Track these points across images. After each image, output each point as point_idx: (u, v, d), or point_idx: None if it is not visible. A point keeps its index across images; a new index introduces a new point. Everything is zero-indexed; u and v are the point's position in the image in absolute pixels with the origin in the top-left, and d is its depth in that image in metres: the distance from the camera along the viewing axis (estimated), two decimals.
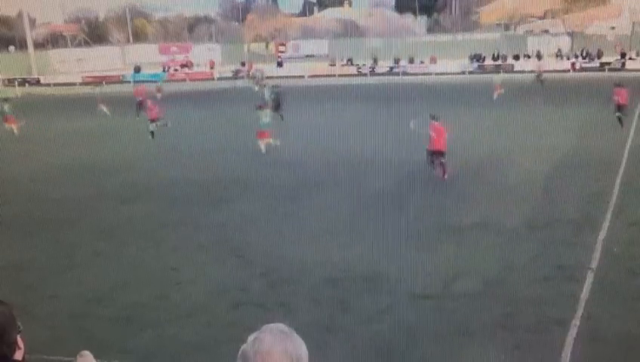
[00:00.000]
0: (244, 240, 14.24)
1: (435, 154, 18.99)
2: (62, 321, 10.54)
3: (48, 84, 65.74)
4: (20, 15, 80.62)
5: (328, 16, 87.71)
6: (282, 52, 72.95)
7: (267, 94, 28.20)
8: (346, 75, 57.84)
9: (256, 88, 41.23)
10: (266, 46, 76.46)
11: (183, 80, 61.54)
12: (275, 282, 11.84)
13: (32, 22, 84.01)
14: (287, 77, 58.22)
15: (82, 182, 21.38)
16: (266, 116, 24.46)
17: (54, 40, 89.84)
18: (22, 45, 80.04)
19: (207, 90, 49.48)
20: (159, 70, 67.31)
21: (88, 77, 65.05)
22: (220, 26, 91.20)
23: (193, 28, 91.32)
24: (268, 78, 52.47)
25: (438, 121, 19.23)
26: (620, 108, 25.60)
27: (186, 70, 67.77)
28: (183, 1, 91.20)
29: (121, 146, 27.38)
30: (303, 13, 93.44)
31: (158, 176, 21.67)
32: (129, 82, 60.42)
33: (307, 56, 70.75)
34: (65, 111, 40.70)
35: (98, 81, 59.80)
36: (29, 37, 74.91)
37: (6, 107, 32.29)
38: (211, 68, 67.18)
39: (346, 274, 11.90)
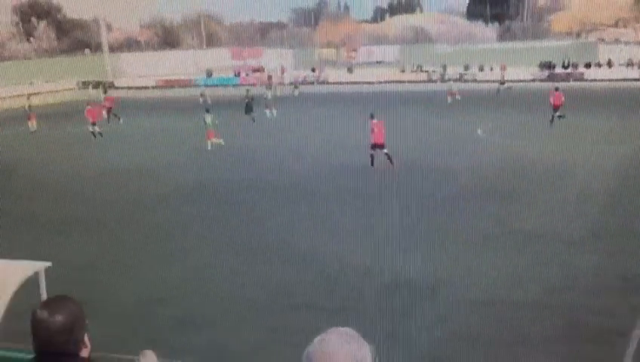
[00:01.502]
0: (308, 244, 14.32)
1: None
2: (124, 320, 10.81)
3: (122, 87, 67.23)
4: (95, 19, 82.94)
5: (399, 22, 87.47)
6: (353, 58, 73.16)
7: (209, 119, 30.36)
8: (415, 82, 57.62)
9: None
10: (337, 52, 76.78)
11: (254, 85, 62.37)
12: (337, 287, 11.92)
13: (108, 26, 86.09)
14: (357, 83, 58.53)
15: (146, 183, 22.00)
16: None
17: (129, 44, 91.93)
18: (97, 49, 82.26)
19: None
20: (231, 75, 68.16)
21: (161, 80, 66.56)
22: (291, 32, 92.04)
23: (265, 33, 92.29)
24: (338, 83, 53.11)
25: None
26: None
27: (258, 75, 68.45)
28: (256, 6, 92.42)
29: (183, 148, 28.26)
30: (374, 20, 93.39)
31: (221, 178, 22.15)
32: (201, 86, 61.65)
33: (377, 62, 70.66)
34: (138, 112, 41.66)
35: (171, 85, 61.20)
36: (105, 41, 76.93)
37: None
38: (282, 73, 67.66)
39: (406, 280, 11.85)
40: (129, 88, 64.59)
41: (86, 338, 2.90)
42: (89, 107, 35.45)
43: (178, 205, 19.03)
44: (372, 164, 22.38)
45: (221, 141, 27.93)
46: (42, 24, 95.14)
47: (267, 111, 39.60)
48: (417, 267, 12.43)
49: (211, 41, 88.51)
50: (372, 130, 22.60)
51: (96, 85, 64.97)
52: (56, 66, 70.83)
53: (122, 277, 13.10)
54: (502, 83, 49.49)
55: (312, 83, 62.61)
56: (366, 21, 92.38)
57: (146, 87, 63.79)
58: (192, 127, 31.97)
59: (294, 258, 13.54)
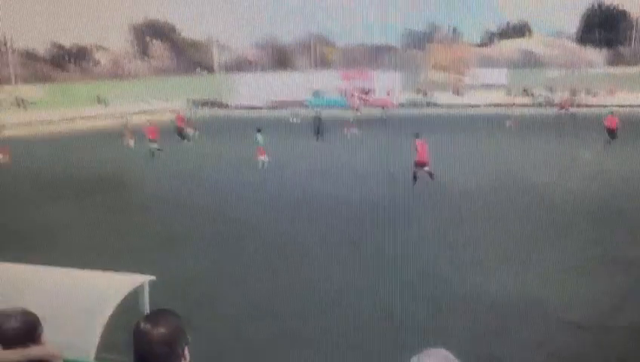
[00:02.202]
0: (409, 264, 14.21)
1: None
2: (225, 334, 10.91)
3: (233, 107, 69.80)
4: (209, 39, 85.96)
5: (508, 46, 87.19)
6: (461, 81, 73.60)
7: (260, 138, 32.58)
8: (521, 105, 57.72)
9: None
10: (446, 75, 77.30)
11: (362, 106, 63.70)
12: (435, 307, 11.86)
13: (221, 46, 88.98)
14: (463, 105, 59.10)
15: (253, 199, 22.58)
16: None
17: (241, 64, 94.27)
18: (209, 68, 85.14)
19: (380, 118, 51.20)
20: (339, 96, 69.59)
21: (271, 101, 68.89)
22: (400, 55, 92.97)
23: (375, 56, 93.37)
24: (448, 106, 54.19)
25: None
26: None
27: (366, 96, 69.80)
28: (367, 29, 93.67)
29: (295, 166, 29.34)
30: (483, 43, 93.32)
31: (328, 195, 22.48)
32: (310, 107, 63.49)
33: (485, 85, 71.02)
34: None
35: (280, 105, 63.29)
36: (217, 61, 79.96)
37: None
38: (390, 95, 68.73)
39: (504, 300, 11.87)
40: (240, 107, 66.98)
41: (186, 352, 3.04)
42: (149, 125, 36.52)
43: (284, 220, 19.22)
44: (414, 181, 23.57)
45: (266, 158, 29.58)
46: (157, 43, 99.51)
47: (348, 133, 41.45)
48: (511, 287, 12.47)
49: (322, 62, 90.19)
50: (416, 149, 23.91)
51: (207, 104, 67.92)
52: (168, 85, 74.08)
53: (226, 292, 13.21)
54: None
55: (420, 105, 63.62)
56: (476, 44, 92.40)
57: (256, 107, 65.84)
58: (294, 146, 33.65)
59: (404, 274, 13.43)
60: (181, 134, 41.84)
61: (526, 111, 53.21)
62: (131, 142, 40.00)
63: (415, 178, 23.72)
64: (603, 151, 30.29)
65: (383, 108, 53.98)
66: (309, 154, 33.77)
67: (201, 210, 21.05)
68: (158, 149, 34.75)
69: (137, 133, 39.35)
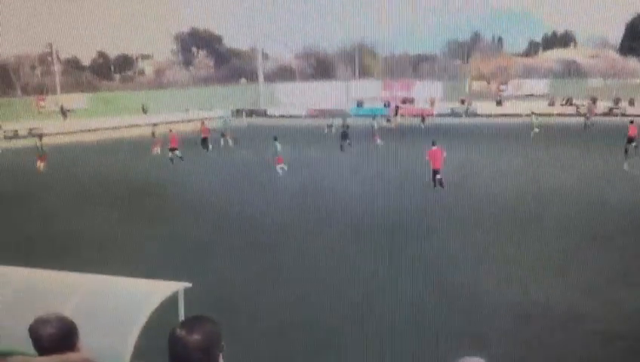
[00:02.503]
0: (446, 273, 14.34)
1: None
2: (260, 341, 10.96)
3: (274, 116, 70.22)
4: (253, 49, 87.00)
5: (552, 56, 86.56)
6: (502, 90, 73.27)
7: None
8: (563, 115, 57.23)
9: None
10: (487, 84, 77.02)
11: (402, 115, 63.76)
12: (472, 315, 11.90)
13: (264, 56, 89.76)
14: (504, 115, 58.76)
15: (295, 207, 22.82)
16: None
17: (284, 73, 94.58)
18: (252, 77, 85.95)
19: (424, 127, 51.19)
20: (380, 105, 69.58)
21: (312, 110, 69.47)
22: (443, 64, 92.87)
23: (417, 65, 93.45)
24: (488, 115, 54.09)
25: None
26: None
27: (407, 106, 69.85)
28: (410, 39, 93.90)
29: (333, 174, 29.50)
30: (527, 53, 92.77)
31: (362, 204, 22.29)
32: (351, 116, 63.70)
33: (527, 95, 70.51)
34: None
35: (321, 114, 63.64)
36: (260, 70, 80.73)
37: None
38: (431, 104, 68.77)
39: (543, 311, 11.85)
40: (281, 117, 67.32)
41: (221, 359, 3.02)
42: (171, 133, 37.69)
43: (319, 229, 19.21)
44: (434, 185, 24.54)
45: (285, 166, 30.34)
46: (202, 53, 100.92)
47: (379, 141, 41.81)
48: (551, 298, 12.45)
49: (364, 72, 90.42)
50: (431, 157, 25.13)
51: (250, 113, 68.54)
52: (211, 94, 75.53)
53: (261, 299, 13.23)
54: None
55: (459, 115, 63.47)
56: (519, 54, 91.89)
57: (297, 116, 66.20)
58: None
59: (441, 284, 13.51)
60: (205, 144, 42.48)
61: (567, 120, 52.79)
62: (157, 150, 41.23)
63: (435, 184, 24.58)
64: None
65: (423, 117, 53.64)
66: (334, 163, 34.19)
67: (236, 218, 21.31)
68: (180, 157, 35.81)
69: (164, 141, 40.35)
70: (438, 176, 24.58)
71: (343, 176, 28.63)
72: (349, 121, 46.40)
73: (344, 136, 40.66)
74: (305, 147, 38.51)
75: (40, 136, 42.23)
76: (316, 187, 26.42)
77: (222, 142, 44.00)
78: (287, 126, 54.85)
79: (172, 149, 36.40)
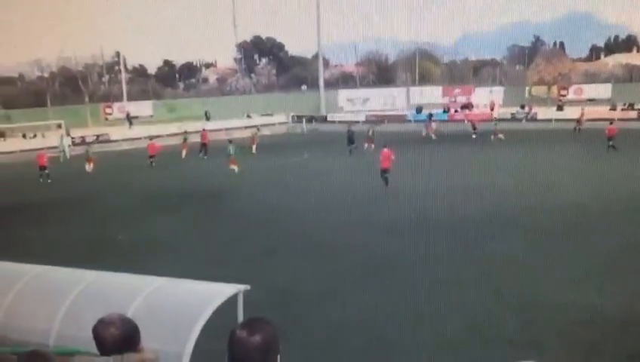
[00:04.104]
0: (504, 279, 14.49)
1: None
2: (318, 344, 11.11)
3: (333, 121, 71.02)
4: (315, 57, 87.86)
5: (614, 61, 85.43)
6: (563, 95, 72.74)
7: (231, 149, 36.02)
8: (625, 120, 56.62)
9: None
10: (548, 89, 76.50)
11: (462, 120, 63.93)
12: (527, 320, 11.97)
13: (326, 63, 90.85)
14: (563, 120, 58.44)
15: (352, 211, 23.14)
16: None
17: (344, 80, 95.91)
18: (313, 84, 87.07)
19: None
20: (440, 111, 69.81)
21: (371, 115, 70.15)
22: (504, 70, 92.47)
23: (478, 71, 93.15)
24: (548, 120, 53.97)
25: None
26: None
27: (466, 111, 70.18)
28: (472, 45, 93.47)
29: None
30: (589, 58, 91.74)
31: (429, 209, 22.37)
32: (411, 121, 64.45)
33: (589, 100, 69.95)
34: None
35: (380, 119, 64.15)
36: (321, 77, 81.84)
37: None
38: (491, 110, 68.72)
39: (600, 314, 11.91)
40: (340, 122, 67.92)
41: (279, 361, 3.05)
42: (150, 142, 41.92)
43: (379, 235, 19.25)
44: (386, 184, 27.14)
45: (236, 168, 34.35)
46: (264, 61, 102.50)
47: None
48: (607, 301, 12.60)
49: (425, 78, 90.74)
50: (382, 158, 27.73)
51: (310, 120, 69.71)
52: (273, 101, 77.19)
53: (318, 303, 13.40)
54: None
55: (521, 120, 63.32)
56: (580, 59, 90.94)
57: (356, 122, 66.73)
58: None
59: (496, 289, 13.73)
60: (204, 150, 44.47)
61: (629, 125, 52.32)
62: (184, 153, 44.35)
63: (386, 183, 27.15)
64: None
65: (474, 125, 52.76)
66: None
67: (296, 224, 21.72)
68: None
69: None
70: (386, 175, 27.24)
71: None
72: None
73: (350, 140, 41.90)
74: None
75: (89, 144, 48.36)
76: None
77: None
78: (339, 132, 55.17)
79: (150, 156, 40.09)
